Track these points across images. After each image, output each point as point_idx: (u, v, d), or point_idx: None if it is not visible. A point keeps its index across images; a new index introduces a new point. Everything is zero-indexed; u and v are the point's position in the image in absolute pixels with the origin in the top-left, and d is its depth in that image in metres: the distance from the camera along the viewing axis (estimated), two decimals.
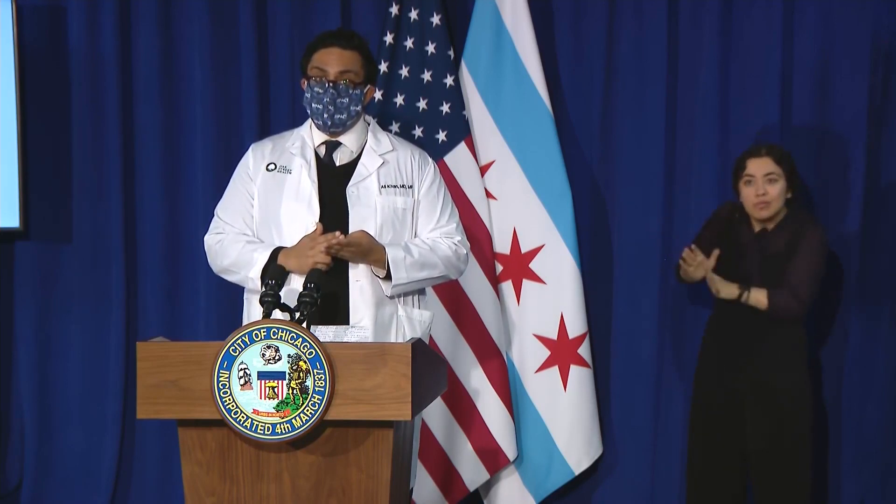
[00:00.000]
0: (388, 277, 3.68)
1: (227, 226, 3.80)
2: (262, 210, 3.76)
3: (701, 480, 4.43)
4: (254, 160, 3.82)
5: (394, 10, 4.89)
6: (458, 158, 4.88)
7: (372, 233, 3.68)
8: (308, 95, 3.75)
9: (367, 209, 3.71)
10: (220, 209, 3.84)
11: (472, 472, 4.89)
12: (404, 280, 3.69)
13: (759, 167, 4.33)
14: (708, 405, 4.41)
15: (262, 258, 3.66)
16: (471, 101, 4.92)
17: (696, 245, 4.34)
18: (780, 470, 4.31)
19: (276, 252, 3.66)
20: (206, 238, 3.84)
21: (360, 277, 3.68)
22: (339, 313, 3.65)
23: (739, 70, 4.90)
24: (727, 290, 4.28)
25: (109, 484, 5.09)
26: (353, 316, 3.66)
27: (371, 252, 3.64)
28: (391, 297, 3.73)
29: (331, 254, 3.56)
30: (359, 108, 3.76)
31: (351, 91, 3.73)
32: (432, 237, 3.81)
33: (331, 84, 3.71)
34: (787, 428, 4.31)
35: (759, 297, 4.26)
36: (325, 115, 3.72)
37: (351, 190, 3.72)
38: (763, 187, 4.31)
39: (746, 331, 4.33)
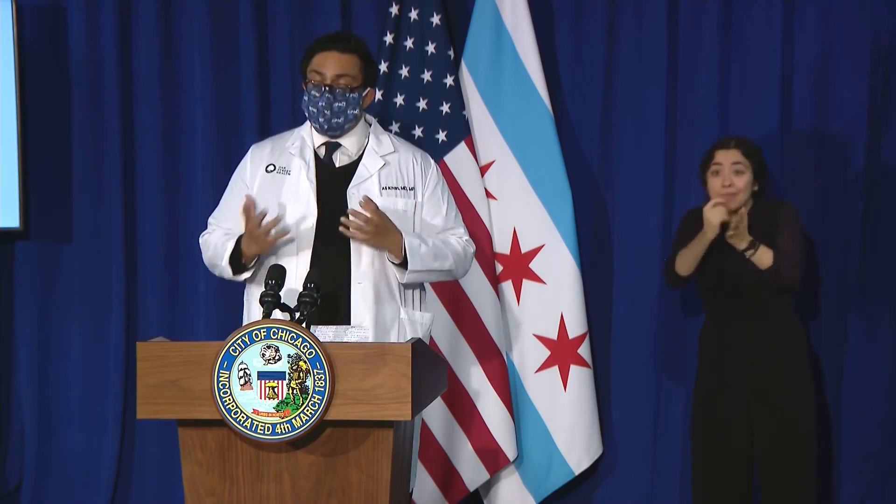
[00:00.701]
0: (402, 265, 3.68)
1: (218, 226, 3.81)
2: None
3: (707, 482, 4.43)
4: (251, 165, 3.82)
5: (394, 10, 4.89)
6: (458, 158, 4.88)
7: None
8: (306, 99, 3.75)
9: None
10: (214, 216, 3.86)
11: (472, 472, 4.89)
12: (419, 268, 3.69)
13: (727, 157, 4.35)
14: (710, 407, 4.40)
15: (230, 245, 3.69)
16: (471, 101, 4.92)
17: (677, 247, 4.38)
18: (786, 470, 4.30)
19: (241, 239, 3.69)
20: (199, 238, 3.86)
21: (361, 279, 3.67)
22: (340, 315, 3.65)
23: (739, 70, 4.90)
24: (742, 236, 4.22)
25: (109, 484, 5.08)
26: (354, 317, 3.65)
27: (388, 233, 3.63)
28: (404, 285, 3.74)
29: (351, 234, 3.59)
30: (356, 111, 3.76)
31: (348, 95, 3.72)
32: (443, 235, 3.81)
33: (327, 88, 3.70)
34: (791, 428, 4.31)
35: (765, 256, 4.24)
36: (322, 120, 3.72)
37: (352, 191, 3.72)
38: (729, 178, 4.32)
39: (747, 332, 4.32)
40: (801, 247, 4.34)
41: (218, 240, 3.76)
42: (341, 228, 3.60)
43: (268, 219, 3.61)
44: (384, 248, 3.68)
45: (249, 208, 3.62)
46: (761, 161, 4.39)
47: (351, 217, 3.59)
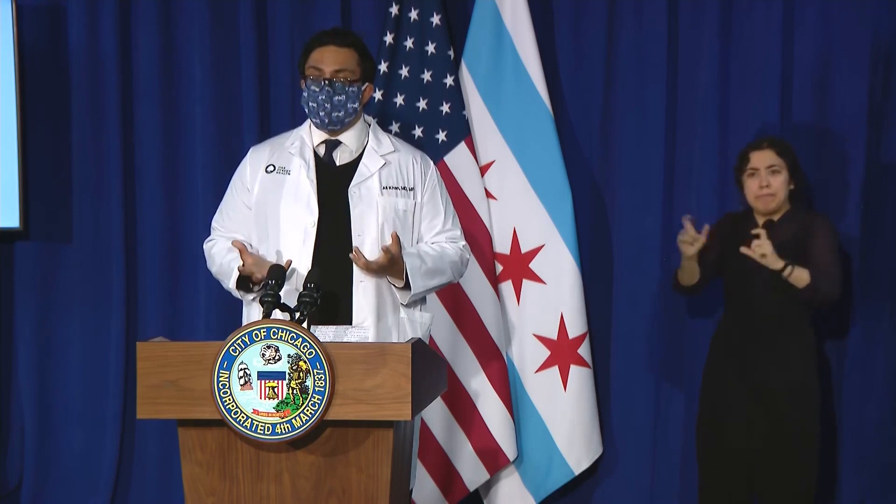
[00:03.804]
0: (403, 287, 3.68)
1: (223, 230, 3.81)
2: (261, 212, 3.74)
3: (707, 480, 4.42)
4: (251, 167, 3.81)
5: (394, 10, 4.89)
6: (458, 158, 4.88)
7: (373, 233, 3.67)
8: (305, 94, 3.75)
9: (368, 209, 3.70)
10: (216, 219, 3.85)
11: (472, 472, 4.89)
12: (421, 289, 3.71)
13: (762, 159, 4.36)
14: (713, 404, 4.40)
15: (236, 271, 3.68)
16: (471, 101, 4.92)
17: (702, 254, 4.37)
18: (785, 472, 4.30)
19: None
20: (203, 244, 3.86)
21: (363, 278, 3.67)
22: (342, 314, 3.65)
23: (739, 70, 4.90)
24: (774, 260, 4.24)
25: (109, 484, 5.09)
26: (356, 316, 3.65)
27: (393, 265, 3.64)
28: (406, 306, 3.74)
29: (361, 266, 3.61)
30: (356, 105, 3.76)
31: (347, 89, 3.72)
32: (438, 241, 3.81)
33: (327, 82, 3.71)
34: (790, 429, 4.30)
35: (801, 275, 4.25)
36: (322, 113, 3.72)
37: (353, 190, 3.72)
38: (766, 179, 4.34)
39: (756, 332, 4.32)
40: (837, 261, 4.35)
41: (223, 256, 3.75)
42: (353, 257, 3.61)
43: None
44: (387, 275, 3.69)
45: (246, 268, 3.61)
46: (795, 159, 4.40)
47: (357, 261, 3.60)
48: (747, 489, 4.38)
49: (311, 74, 3.73)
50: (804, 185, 4.51)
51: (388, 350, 2.96)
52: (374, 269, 3.61)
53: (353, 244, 3.66)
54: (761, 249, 4.21)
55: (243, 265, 3.62)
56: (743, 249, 4.23)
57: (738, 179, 4.44)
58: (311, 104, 3.73)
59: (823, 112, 4.88)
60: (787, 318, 4.32)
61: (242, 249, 3.64)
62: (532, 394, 4.92)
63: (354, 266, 3.66)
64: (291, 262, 3.61)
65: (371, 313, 3.67)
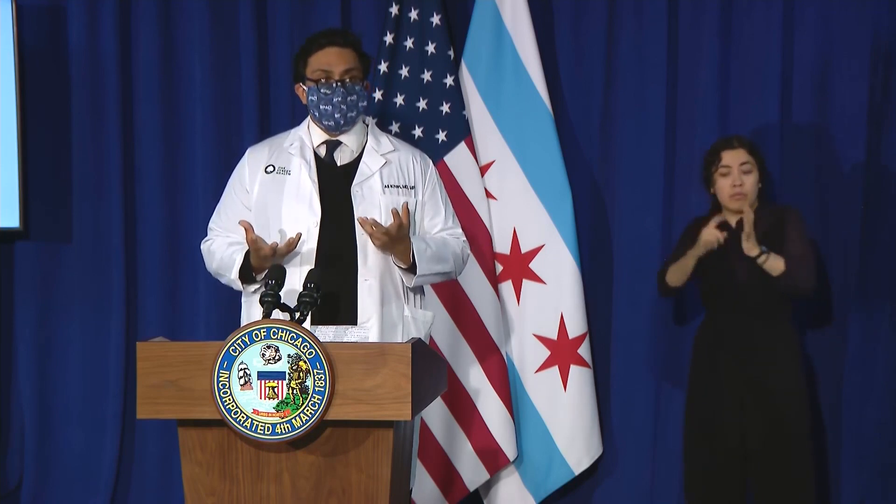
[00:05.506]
0: (408, 270, 3.68)
1: (221, 231, 3.81)
2: (262, 213, 3.74)
3: (700, 484, 4.42)
4: (249, 168, 3.81)
5: (394, 10, 4.89)
6: (458, 158, 4.88)
7: None
8: (314, 98, 3.73)
9: (372, 208, 3.70)
10: (213, 220, 3.85)
11: (472, 472, 4.89)
12: (426, 272, 3.70)
13: (735, 158, 4.37)
14: (704, 407, 4.40)
15: (239, 259, 3.69)
16: (471, 101, 4.92)
17: (677, 254, 4.41)
18: (780, 470, 4.30)
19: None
20: (201, 245, 3.86)
21: (368, 276, 3.67)
22: (347, 313, 3.65)
23: (739, 70, 4.91)
24: (753, 246, 4.23)
25: (109, 484, 5.09)
26: (361, 315, 3.66)
27: (402, 240, 3.63)
28: (412, 289, 3.75)
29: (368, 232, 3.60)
30: (365, 103, 3.79)
31: (357, 88, 3.74)
32: (441, 235, 3.82)
33: (339, 83, 3.71)
34: (784, 428, 4.31)
35: (777, 263, 4.26)
36: (338, 115, 3.72)
37: (355, 189, 3.72)
38: (739, 178, 4.34)
39: (742, 333, 4.33)
40: (810, 250, 4.37)
41: (223, 250, 3.75)
42: (361, 220, 3.60)
43: (279, 246, 3.59)
44: (391, 253, 3.68)
45: (255, 241, 3.58)
46: (762, 158, 4.42)
47: (364, 225, 3.60)
48: (741, 490, 4.38)
49: (320, 77, 3.73)
50: (767, 186, 4.52)
51: (388, 350, 2.96)
52: (382, 234, 3.58)
53: (357, 243, 3.67)
54: (747, 227, 4.22)
55: (249, 235, 3.57)
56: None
57: (707, 178, 4.44)
58: (322, 107, 3.72)
59: (823, 112, 4.88)
60: (771, 316, 4.33)
61: (248, 228, 3.61)
62: (532, 394, 4.92)
63: (359, 265, 3.66)
64: (301, 234, 3.61)
65: (375, 312, 3.67)
